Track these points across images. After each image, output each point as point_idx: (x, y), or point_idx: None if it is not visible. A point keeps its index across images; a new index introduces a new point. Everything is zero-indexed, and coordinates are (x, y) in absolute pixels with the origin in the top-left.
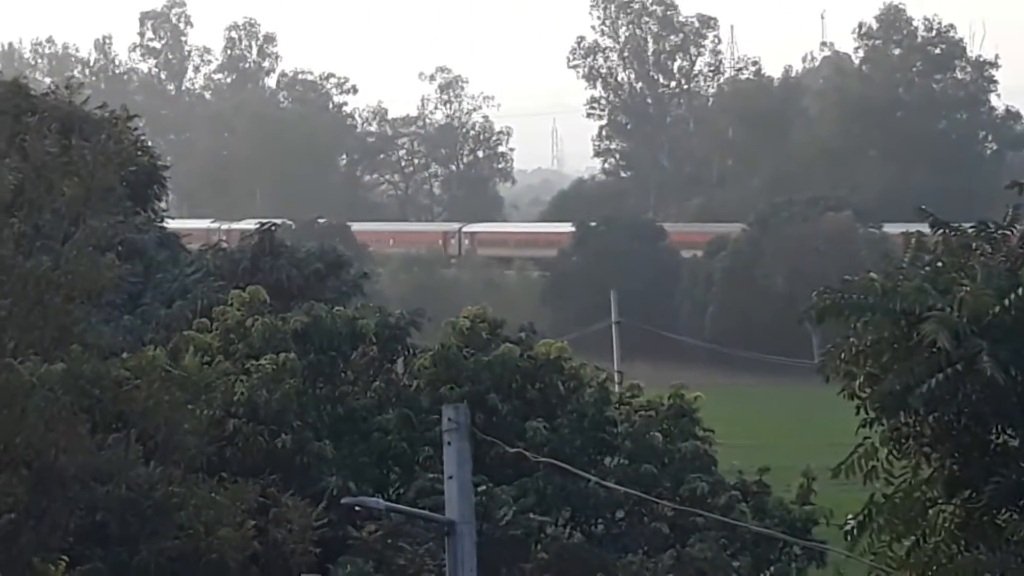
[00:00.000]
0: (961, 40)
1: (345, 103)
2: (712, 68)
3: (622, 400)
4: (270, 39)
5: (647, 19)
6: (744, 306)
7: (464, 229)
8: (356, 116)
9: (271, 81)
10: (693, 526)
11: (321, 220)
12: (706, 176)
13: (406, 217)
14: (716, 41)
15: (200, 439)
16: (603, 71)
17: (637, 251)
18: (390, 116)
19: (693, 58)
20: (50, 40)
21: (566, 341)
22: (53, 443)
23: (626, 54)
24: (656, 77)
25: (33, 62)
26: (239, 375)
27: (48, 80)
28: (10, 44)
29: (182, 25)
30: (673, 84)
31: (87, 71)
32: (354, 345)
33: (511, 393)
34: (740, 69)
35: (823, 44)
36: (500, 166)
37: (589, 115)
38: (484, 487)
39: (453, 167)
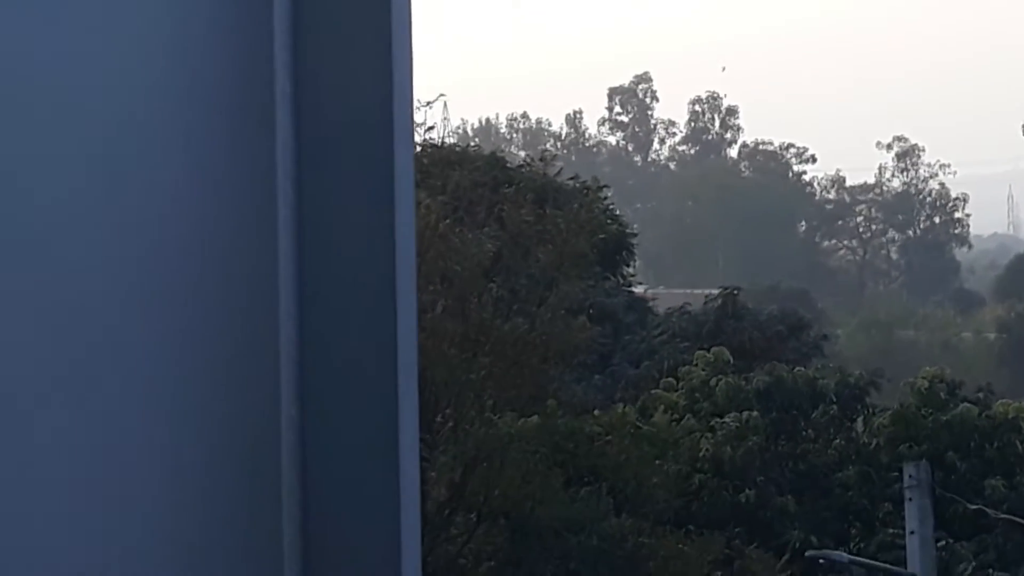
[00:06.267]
0: None
1: (804, 172)
2: None
3: None
4: (732, 112)
5: None
6: None
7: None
8: (815, 184)
9: (733, 152)
10: None
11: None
12: None
13: (864, 282)
14: None
15: (668, 492)
16: None
17: None
18: (848, 184)
19: None
20: (524, 115)
21: None
22: (530, 495)
23: None
24: None
25: (509, 136)
26: (704, 432)
27: (523, 153)
28: (488, 120)
29: (648, 100)
30: None
31: (559, 144)
32: (814, 404)
33: (969, 452)
34: None
35: None
36: (956, 231)
37: None
38: (944, 542)
39: (910, 232)
